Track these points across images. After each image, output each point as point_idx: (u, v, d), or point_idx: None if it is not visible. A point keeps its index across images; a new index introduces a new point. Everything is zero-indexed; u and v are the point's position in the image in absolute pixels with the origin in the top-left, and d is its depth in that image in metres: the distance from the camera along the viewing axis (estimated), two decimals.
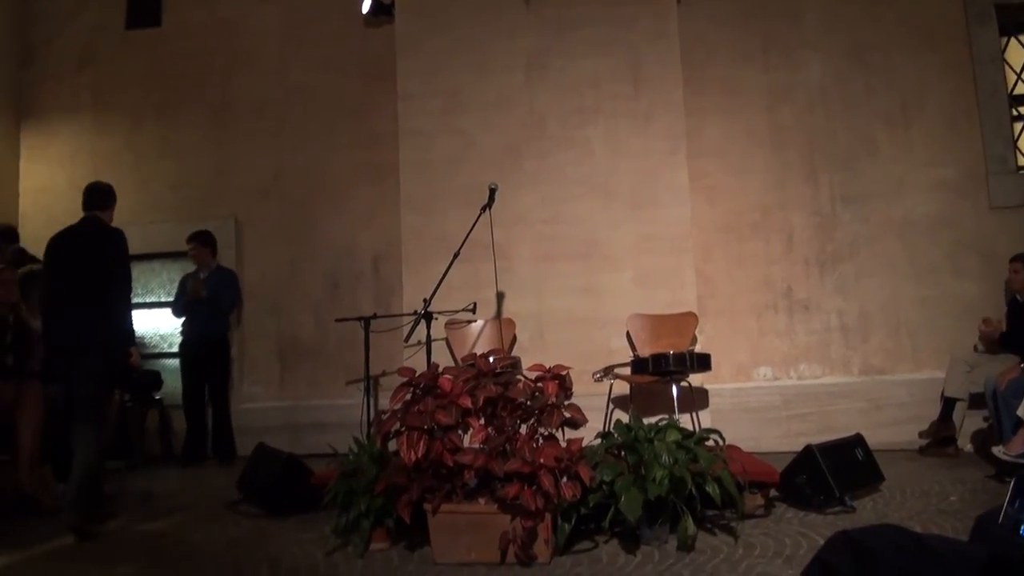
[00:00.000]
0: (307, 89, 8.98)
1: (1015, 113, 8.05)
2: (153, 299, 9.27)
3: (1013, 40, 8.18)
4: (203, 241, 8.49)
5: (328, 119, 8.89)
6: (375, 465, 4.60)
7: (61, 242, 5.80)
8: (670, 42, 7.64)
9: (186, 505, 6.13)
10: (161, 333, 9.24)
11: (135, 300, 9.10)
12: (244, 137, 9.04)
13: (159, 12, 9.47)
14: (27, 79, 9.61)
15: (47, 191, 9.39)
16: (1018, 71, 8.14)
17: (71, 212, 9.06)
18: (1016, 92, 8.11)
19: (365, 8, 8.57)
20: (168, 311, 8.85)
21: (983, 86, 7.92)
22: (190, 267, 8.53)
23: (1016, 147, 7.97)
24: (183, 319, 8.52)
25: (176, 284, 8.70)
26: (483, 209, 6.44)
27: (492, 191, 6.47)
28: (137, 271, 9.11)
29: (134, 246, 8.92)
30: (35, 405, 6.16)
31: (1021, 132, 8.07)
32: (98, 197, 6.06)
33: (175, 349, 8.92)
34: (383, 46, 8.51)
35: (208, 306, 8.33)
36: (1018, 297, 7.02)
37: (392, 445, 4.48)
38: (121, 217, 7.78)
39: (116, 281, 5.65)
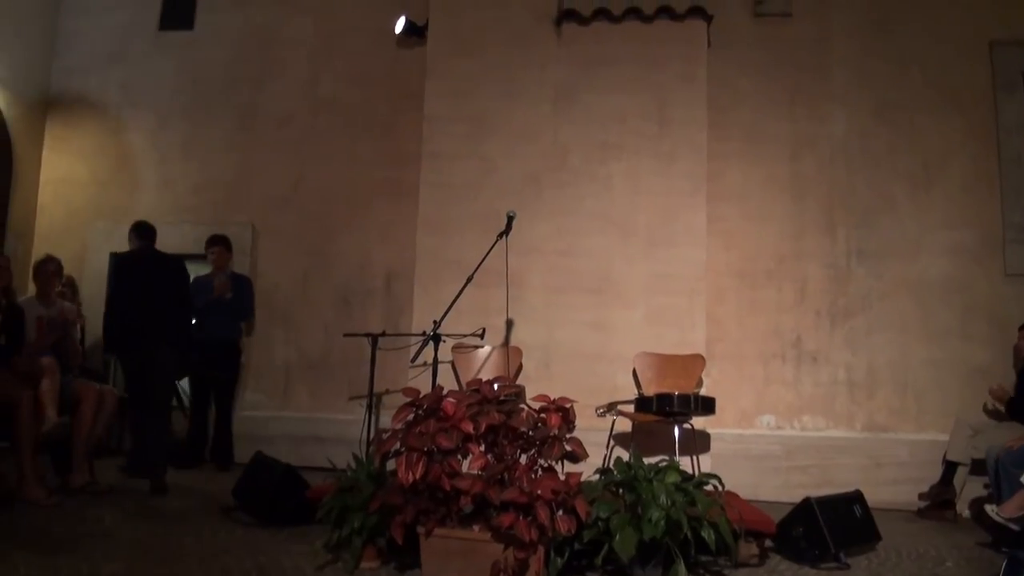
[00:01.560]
0: (334, 103, 9.04)
1: None
2: None
3: None
4: (227, 246, 8.50)
5: (352, 134, 8.94)
6: (372, 483, 4.59)
7: (137, 263, 7.15)
8: (698, 85, 7.68)
9: (180, 508, 6.11)
10: None
11: None
12: (268, 145, 9.09)
13: (193, 15, 9.56)
14: (57, 71, 9.69)
15: (68, 183, 9.45)
16: None
17: (90, 205, 9.27)
18: None
19: (398, 28, 8.64)
20: None
21: (1006, 153, 7.91)
22: (204, 269, 8.54)
23: None
24: (194, 321, 8.35)
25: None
26: (499, 236, 6.45)
27: (510, 219, 6.49)
28: None
29: None
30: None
31: None
32: (153, 234, 7.24)
33: None
34: (413, 66, 8.55)
35: (226, 309, 8.34)
36: None
37: (391, 464, 4.47)
38: (140, 215, 7.87)
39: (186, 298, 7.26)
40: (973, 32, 8.04)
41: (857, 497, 5.50)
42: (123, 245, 8.71)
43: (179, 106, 9.39)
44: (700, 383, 7.28)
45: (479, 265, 6.39)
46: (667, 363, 7.22)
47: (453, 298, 6.37)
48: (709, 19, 7.79)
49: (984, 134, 7.97)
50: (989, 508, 5.75)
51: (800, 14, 8.24)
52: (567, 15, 7.89)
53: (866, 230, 7.94)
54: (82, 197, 9.41)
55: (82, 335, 7.98)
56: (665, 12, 7.73)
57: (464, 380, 7.00)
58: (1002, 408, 6.97)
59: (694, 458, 6.74)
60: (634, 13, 7.77)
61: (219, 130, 9.25)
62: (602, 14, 7.82)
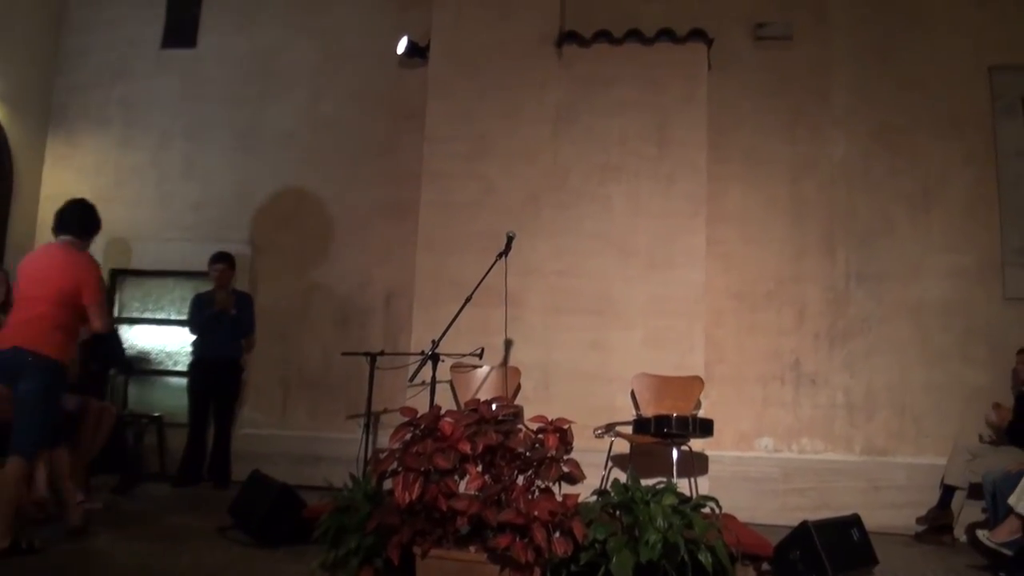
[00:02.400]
0: (336, 122, 9.05)
1: None
2: (163, 316, 9.29)
3: None
4: (231, 264, 8.42)
5: (353, 153, 8.95)
6: (369, 503, 4.57)
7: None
8: (698, 107, 7.72)
9: (176, 526, 6.10)
10: (168, 351, 9.23)
11: (144, 316, 9.24)
12: (269, 164, 9.10)
13: (195, 34, 9.58)
14: (59, 87, 9.71)
15: (68, 199, 9.43)
16: None
17: None
18: None
19: (400, 49, 8.65)
20: (176, 329, 8.90)
21: (1005, 177, 7.94)
22: (203, 286, 8.53)
23: None
24: (195, 338, 8.44)
25: (188, 302, 8.70)
26: (499, 256, 6.47)
27: (510, 239, 6.49)
28: (150, 287, 9.27)
29: (149, 262, 9.12)
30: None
31: None
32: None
33: (179, 368, 8.94)
34: (415, 87, 8.58)
35: (228, 326, 8.27)
36: None
37: (388, 484, 4.46)
38: (140, 233, 7.91)
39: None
40: (973, 57, 8.08)
41: (855, 521, 5.48)
42: (123, 262, 8.78)
43: (180, 124, 9.40)
44: (698, 405, 7.27)
45: (478, 285, 6.40)
46: (666, 385, 7.22)
47: (452, 318, 6.37)
48: (710, 42, 7.83)
49: (983, 158, 7.99)
50: (980, 533, 5.75)
51: (800, 38, 8.28)
52: (568, 37, 7.93)
53: (866, 253, 7.95)
54: None
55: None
56: (666, 35, 7.78)
57: (462, 400, 6.99)
58: (994, 434, 6.98)
59: (692, 480, 6.74)
60: (635, 35, 7.82)
61: (220, 148, 9.25)
62: (603, 36, 7.87)
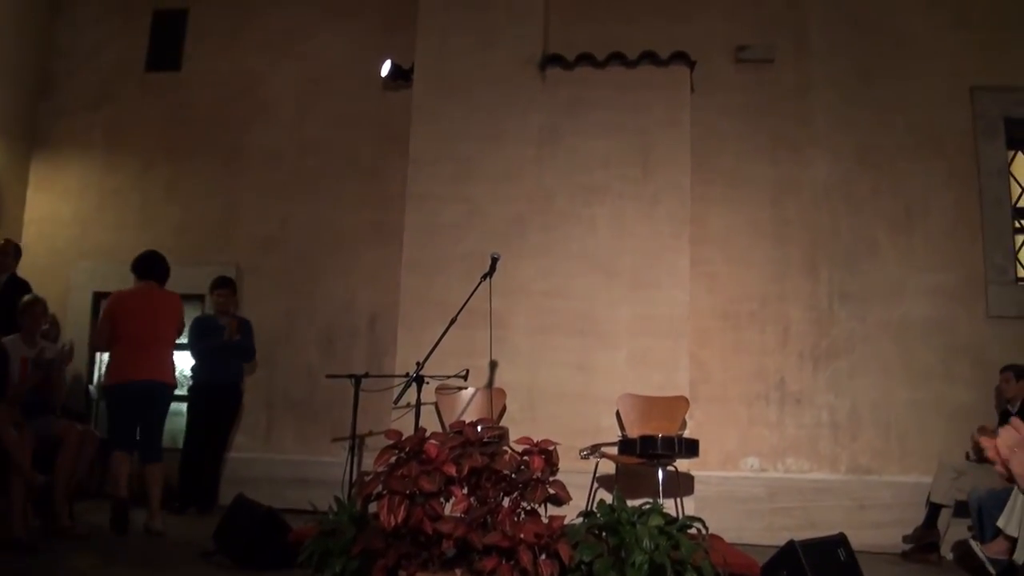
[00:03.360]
0: (321, 145, 9.06)
1: (1017, 225, 8.14)
2: None
3: (1020, 154, 8.30)
4: (233, 289, 8.41)
5: (338, 176, 8.96)
6: (354, 526, 4.55)
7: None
8: (681, 130, 7.75)
9: (160, 551, 6.06)
10: None
11: None
12: (253, 187, 9.10)
13: (180, 57, 9.59)
14: (43, 111, 9.70)
15: (52, 222, 9.44)
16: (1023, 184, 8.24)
17: (73, 245, 9.25)
18: (1020, 204, 8.20)
19: (384, 71, 8.68)
20: None
21: (987, 196, 8.00)
22: (189, 310, 8.47)
23: (1016, 258, 8.04)
24: (196, 362, 8.34)
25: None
26: (483, 277, 6.45)
27: (494, 260, 6.49)
28: None
29: (133, 284, 9.04)
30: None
31: (1023, 244, 8.14)
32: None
33: None
34: (399, 109, 8.58)
35: (230, 352, 8.23)
36: (1009, 407, 7.03)
37: (373, 507, 4.44)
38: (122, 257, 7.86)
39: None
40: (954, 78, 8.16)
41: (841, 540, 5.48)
42: (107, 285, 8.72)
43: (164, 147, 9.39)
44: (684, 425, 7.27)
45: (463, 306, 6.39)
46: (651, 405, 7.22)
47: (437, 339, 6.36)
48: (692, 65, 7.88)
49: (966, 178, 8.05)
50: (974, 543, 5.77)
51: (782, 60, 8.35)
52: (551, 60, 7.97)
53: (848, 273, 7.99)
54: (65, 237, 9.39)
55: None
56: (648, 58, 7.82)
57: (447, 422, 6.97)
58: (975, 455, 7.00)
59: (678, 501, 6.72)
60: (618, 58, 7.86)
61: (204, 171, 9.25)
62: (586, 59, 7.91)
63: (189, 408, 8.28)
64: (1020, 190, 8.24)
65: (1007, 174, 8.15)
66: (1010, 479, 5.72)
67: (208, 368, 8.21)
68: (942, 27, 8.25)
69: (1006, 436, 6.04)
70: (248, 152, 9.21)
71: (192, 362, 8.37)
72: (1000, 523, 5.65)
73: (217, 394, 8.22)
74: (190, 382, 8.40)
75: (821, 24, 8.42)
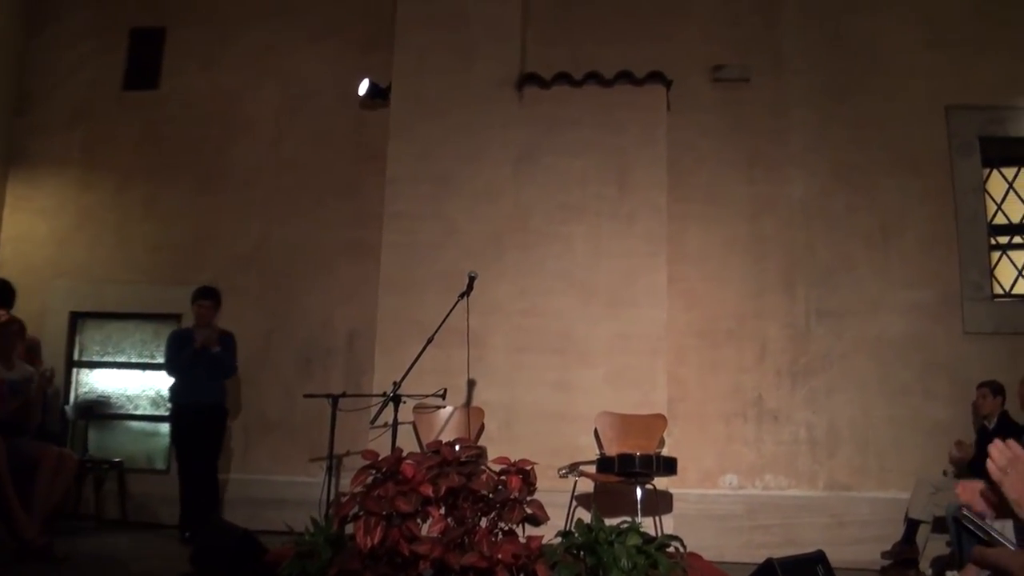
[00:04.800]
0: (298, 163, 9.03)
1: (993, 242, 8.20)
2: (124, 359, 9.18)
3: (995, 172, 8.37)
4: (217, 301, 7.92)
5: (316, 194, 8.92)
6: (330, 548, 4.53)
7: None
8: (658, 148, 7.80)
9: (136, 574, 6.00)
10: (128, 394, 9.11)
11: (105, 359, 9.12)
12: (231, 205, 9.05)
13: (158, 76, 9.55)
14: (19, 128, 9.62)
15: (28, 241, 9.36)
16: (999, 201, 8.30)
17: (50, 263, 9.18)
18: (996, 222, 8.26)
19: (362, 90, 8.68)
20: (137, 372, 8.80)
21: (963, 213, 8.06)
22: (164, 329, 8.44)
23: (993, 275, 8.10)
24: (173, 382, 7.82)
25: (149, 345, 8.62)
26: (461, 296, 6.47)
27: (471, 279, 6.50)
28: (110, 330, 9.16)
29: (110, 304, 9.03)
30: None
31: (998, 260, 8.20)
32: None
33: (140, 412, 8.84)
34: (377, 128, 8.58)
35: (208, 368, 7.63)
36: (986, 423, 7.08)
37: (349, 528, 4.42)
38: (99, 275, 7.83)
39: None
40: (929, 97, 8.23)
41: (820, 557, 5.49)
42: (83, 304, 8.65)
43: (142, 165, 9.32)
44: (662, 443, 7.29)
45: (440, 325, 6.39)
46: (629, 423, 7.22)
47: (414, 358, 6.35)
48: (668, 84, 7.93)
49: (941, 195, 8.11)
50: (950, 574, 5.78)
51: (758, 80, 8.40)
52: (528, 79, 8.00)
53: (825, 290, 8.03)
54: (41, 256, 9.32)
55: (44, 396, 7.79)
56: (625, 77, 7.86)
57: (425, 441, 6.96)
58: (956, 468, 7.04)
59: (657, 519, 6.73)
60: (594, 78, 7.90)
61: (182, 190, 9.19)
62: (563, 78, 7.94)
63: (171, 433, 7.94)
64: (995, 207, 8.30)
65: (982, 191, 8.21)
66: (997, 506, 5.74)
67: (187, 387, 7.67)
68: (917, 47, 8.32)
69: (997, 456, 6.08)
70: (225, 170, 9.16)
71: (171, 381, 7.88)
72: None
73: (198, 415, 7.62)
74: (170, 404, 8.00)
75: (797, 44, 8.48)
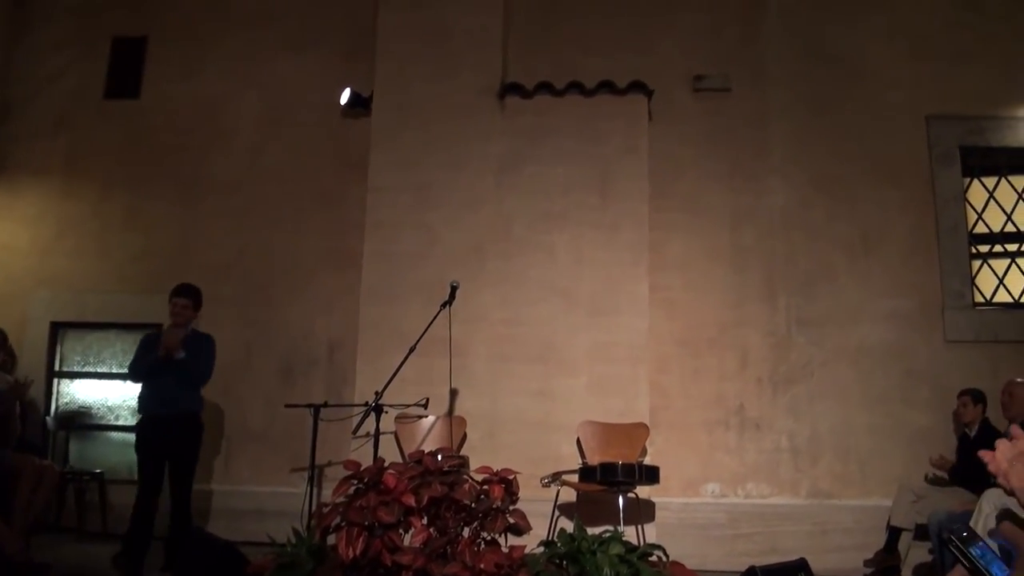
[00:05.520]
0: (279, 172, 9.00)
1: (974, 251, 8.25)
2: (105, 369, 9.12)
3: (976, 181, 8.42)
4: (196, 300, 7.05)
5: (297, 203, 8.90)
6: (312, 559, 4.50)
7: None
8: (639, 158, 7.82)
9: None
10: (110, 405, 9.05)
11: (86, 369, 9.06)
12: (212, 215, 9.01)
13: (139, 85, 9.51)
14: (0, 137, 9.58)
15: (8, 250, 9.30)
16: (979, 211, 8.35)
17: (31, 273, 9.12)
18: (976, 231, 8.31)
19: (344, 100, 8.66)
20: (119, 383, 8.75)
21: (944, 223, 8.12)
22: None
23: (974, 284, 8.14)
24: (140, 387, 6.94)
25: (130, 354, 8.53)
26: (443, 305, 6.47)
27: (453, 288, 6.50)
28: (91, 340, 9.11)
29: (91, 314, 8.98)
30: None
31: (979, 269, 8.25)
32: None
33: (122, 423, 8.79)
34: (358, 137, 8.57)
35: (178, 374, 6.70)
36: (967, 431, 7.12)
37: (331, 539, 4.40)
38: (80, 285, 7.78)
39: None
40: (910, 107, 8.29)
41: (802, 565, 5.52)
42: (64, 314, 8.59)
43: (123, 174, 9.27)
44: (644, 452, 7.29)
45: (422, 334, 6.38)
46: (611, 432, 7.23)
47: (396, 368, 6.34)
48: (650, 94, 7.96)
49: (921, 204, 8.17)
50: None
51: (739, 90, 8.45)
52: (510, 88, 8.02)
53: (806, 298, 8.06)
54: (22, 265, 9.26)
55: (22, 407, 7.70)
56: (606, 87, 7.89)
57: (407, 451, 6.93)
58: (943, 475, 7.07)
59: (639, 528, 6.73)
60: (576, 87, 7.92)
61: (163, 198, 9.14)
62: (545, 88, 7.96)
63: (135, 446, 6.84)
64: (976, 216, 8.35)
65: (963, 200, 8.26)
66: (1011, 493, 5.75)
67: (154, 395, 6.75)
68: (897, 58, 8.39)
69: (1004, 449, 6.10)
70: (207, 180, 9.13)
71: (139, 388, 7.00)
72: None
73: (167, 427, 6.68)
74: (138, 415, 7.17)
75: (778, 54, 8.53)
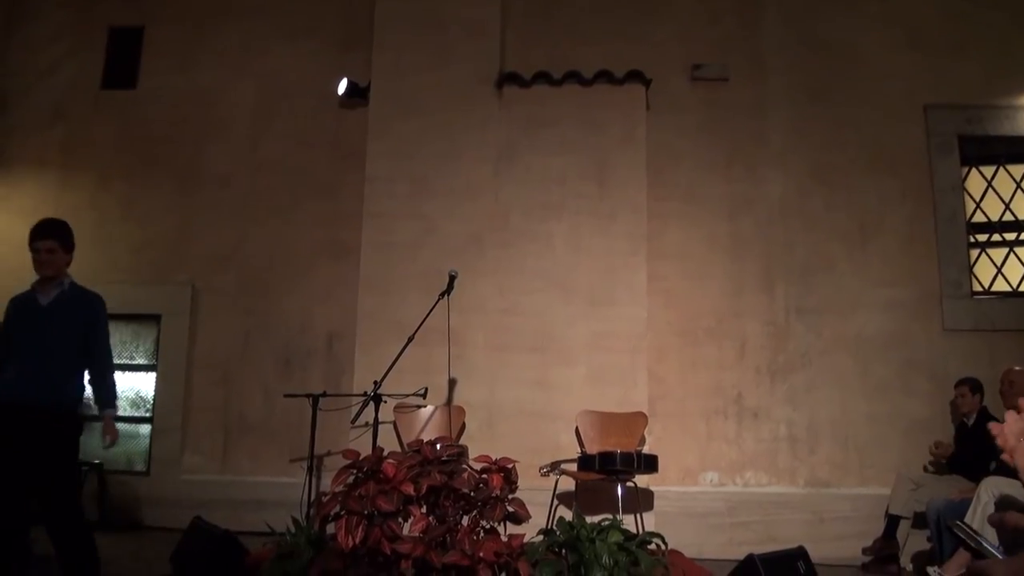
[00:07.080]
0: (277, 163, 8.99)
1: (972, 240, 8.24)
2: None
3: (974, 170, 8.41)
4: (67, 240, 5.46)
5: (295, 194, 8.89)
6: (312, 548, 4.51)
7: None
8: (637, 147, 7.81)
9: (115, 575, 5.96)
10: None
11: None
12: (209, 205, 9.00)
13: (136, 75, 9.49)
14: None
15: (5, 242, 9.25)
16: (978, 200, 8.35)
17: (28, 265, 9.01)
18: (974, 220, 8.31)
19: (341, 89, 8.65)
20: (118, 373, 8.74)
21: (942, 212, 8.12)
22: (145, 331, 8.37)
23: (972, 273, 8.14)
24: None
25: (128, 345, 8.56)
26: (441, 295, 6.47)
27: (452, 278, 6.50)
28: None
29: None
30: None
31: (977, 258, 8.25)
32: None
33: (120, 413, 8.76)
34: (355, 127, 8.56)
35: (51, 349, 5.00)
36: (965, 420, 7.13)
37: (331, 528, 4.40)
38: (77, 275, 7.70)
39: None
40: (908, 97, 8.28)
41: (801, 553, 5.51)
42: None
43: (120, 165, 9.26)
44: (643, 441, 7.29)
45: (421, 324, 6.39)
46: (610, 421, 7.23)
47: (395, 358, 6.35)
48: (648, 83, 7.95)
49: (920, 194, 8.17)
50: (932, 570, 5.81)
51: (737, 79, 8.43)
52: (508, 78, 8.00)
53: (804, 288, 8.06)
54: (18, 257, 9.18)
55: None
56: (604, 76, 7.88)
57: (406, 440, 6.94)
58: (943, 460, 7.09)
59: (638, 516, 6.74)
60: (574, 77, 7.91)
61: (160, 189, 9.13)
62: (542, 77, 7.95)
63: None
64: (974, 205, 8.35)
65: (961, 190, 8.26)
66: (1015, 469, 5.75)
67: (14, 377, 4.91)
68: (895, 47, 8.38)
69: (1012, 424, 6.10)
70: (204, 170, 9.11)
71: None
72: (966, 518, 5.68)
73: (23, 423, 4.76)
74: None
75: (776, 44, 8.52)
